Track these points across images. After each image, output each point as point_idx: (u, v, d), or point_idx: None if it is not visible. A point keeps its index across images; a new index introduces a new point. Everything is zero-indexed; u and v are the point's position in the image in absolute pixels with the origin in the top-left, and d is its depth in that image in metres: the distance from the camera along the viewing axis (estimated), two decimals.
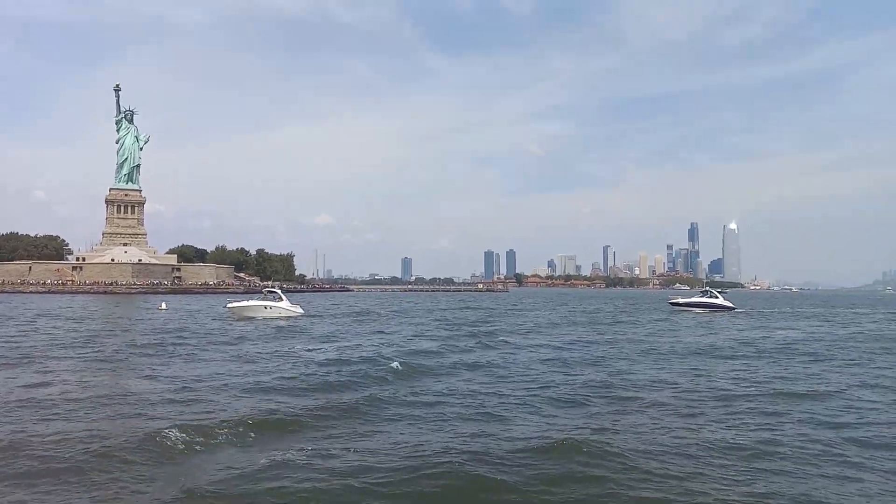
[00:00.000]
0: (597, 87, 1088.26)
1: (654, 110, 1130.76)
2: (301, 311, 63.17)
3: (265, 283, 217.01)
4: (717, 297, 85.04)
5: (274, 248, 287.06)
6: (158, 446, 13.93)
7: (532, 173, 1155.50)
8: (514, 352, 34.93)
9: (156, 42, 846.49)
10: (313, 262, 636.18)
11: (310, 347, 35.58)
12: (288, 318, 59.48)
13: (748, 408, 19.46)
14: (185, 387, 21.92)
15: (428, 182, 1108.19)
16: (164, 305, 78.53)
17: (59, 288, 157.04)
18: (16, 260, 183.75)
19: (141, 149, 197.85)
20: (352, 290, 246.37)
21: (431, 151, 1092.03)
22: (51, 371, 25.49)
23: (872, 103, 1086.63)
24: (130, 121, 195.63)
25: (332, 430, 16.10)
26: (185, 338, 40.43)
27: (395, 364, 27.10)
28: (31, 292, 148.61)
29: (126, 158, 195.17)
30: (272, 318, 57.68)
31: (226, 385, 22.41)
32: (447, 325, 56.71)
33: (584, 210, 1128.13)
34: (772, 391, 22.42)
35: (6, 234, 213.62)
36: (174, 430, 14.75)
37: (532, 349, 36.50)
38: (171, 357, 30.89)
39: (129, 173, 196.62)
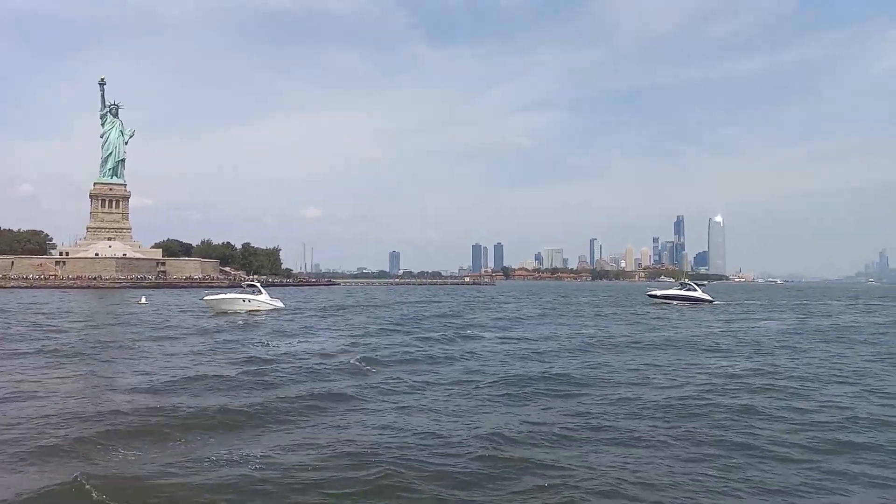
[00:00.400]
0: (584, 80, 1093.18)
1: (641, 103, 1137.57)
2: (281, 304, 63.55)
3: (251, 277, 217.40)
4: (695, 290, 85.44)
5: (263, 242, 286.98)
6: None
7: (519, 166, 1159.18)
8: (478, 346, 35.44)
9: (142, 35, 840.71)
10: (301, 255, 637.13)
11: (269, 342, 35.76)
12: (267, 311, 59.56)
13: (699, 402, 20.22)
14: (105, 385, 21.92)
15: (415, 174, 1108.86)
16: (143, 300, 79.04)
17: (42, 283, 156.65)
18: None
19: (126, 143, 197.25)
20: (339, 284, 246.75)
21: (419, 143, 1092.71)
22: None
23: (857, 96, 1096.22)
24: (115, 115, 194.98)
25: (242, 430, 15.81)
26: (141, 332, 41.20)
27: (351, 360, 27.34)
28: (12, 287, 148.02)
29: (111, 153, 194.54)
30: (250, 312, 57.71)
31: (150, 381, 22.56)
32: (418, 319, 57.33)
33: (571, 203, 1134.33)
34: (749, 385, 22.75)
35: None
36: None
37: (498, 342, 37.47)
38: (115, 350, 31.59)
39: (113, 167, 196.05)
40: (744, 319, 58.77)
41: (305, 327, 45.85)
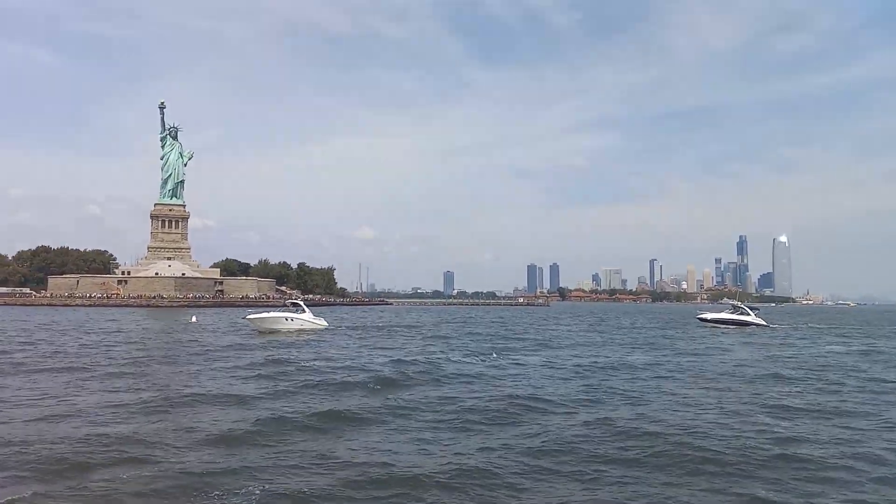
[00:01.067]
0: (641, 99, 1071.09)
1: (701, 122, 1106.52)
2: (325, 323, 62.10)
3: (306, 296, 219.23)
4: (748, 314, 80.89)
5: (320, 262, 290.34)
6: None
7: (576, 186, 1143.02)
8: (509, 369, 33.41)
9: (204, 57, 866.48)
10: (357, 275, 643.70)
11: (303, 358, 35.20)
12: (310, 330, 58.35)
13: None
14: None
15: (470, 195, 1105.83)
16: (194, 318, 78.95)
17: (104, 301, 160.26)
18: (65, 274, 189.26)
19: (185, 164, 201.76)
20: (391, 304, 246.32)
21: (473, 164, 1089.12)
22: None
23: None
24: (175, 137, 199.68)
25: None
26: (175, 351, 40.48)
27: (371, 378, 27.22)
28: (77, 305, 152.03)
29: (170, 174, 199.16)
30: (293, 331, 56.63)
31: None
32: (462, 339, 55.39)
33: (630, 223, 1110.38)
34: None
35: (58, 249, 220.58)
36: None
37: (535, 368, 34.91)
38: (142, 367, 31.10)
39: (173, 189, 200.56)
40: (803, 346, 53.75)
41: (352, 345, 44.70)
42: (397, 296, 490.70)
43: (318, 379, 26.95)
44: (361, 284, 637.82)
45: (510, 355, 40.02)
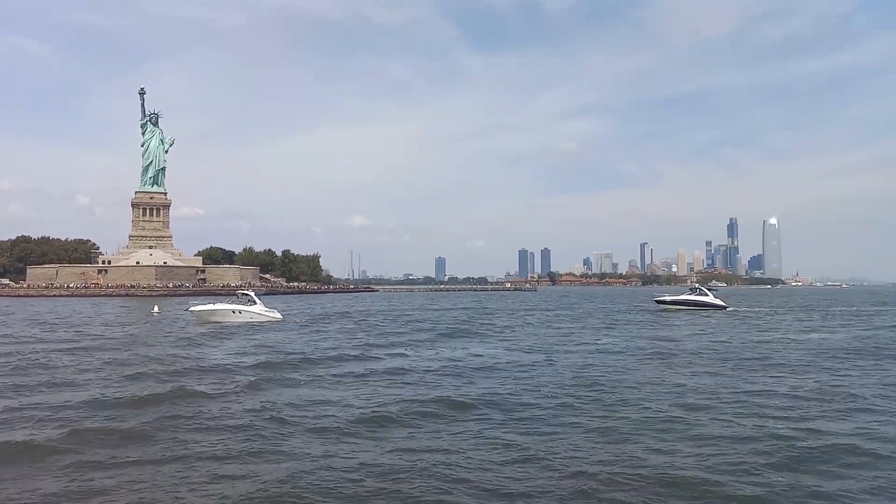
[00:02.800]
0: (634, 85, 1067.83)
1: (693, 108, 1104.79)
2: (278, 316, 58.82)
3: (291, 283, 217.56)
4: (706, 295, 79.99)
5: (311, 250, 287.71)
6: None
7: (568, 172, 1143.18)
8: (440, 357, 32.02)
9: (196, 46, 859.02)
10: (348, 262, 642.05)
11: (220, 354, 33.01)
12: (260, 323, 54.93)
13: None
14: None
15: (463, 181, 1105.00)
16: (156, 309, 77.38)
17: (83, 291, 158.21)
18: (45, 264, 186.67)
19: (166, 151, 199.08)
20: (378, 291, 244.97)
21: (466, 150, 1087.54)
22: None
23: None
24: (155, 124, 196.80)
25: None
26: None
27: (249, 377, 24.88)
28: (55, 296, 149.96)
29: (151, 161, 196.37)
30: (241, 324, 53.52)
31: None
32: (421, 326, 53.88)
33: (621, 208, 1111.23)
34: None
35: (38, 239, 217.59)
36: None
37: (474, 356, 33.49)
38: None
39: (154, 176, 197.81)
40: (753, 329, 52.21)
41: (290, 338, 42.75)
42: (389, 282, 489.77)
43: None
44: (353, 272, 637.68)
45: (421, 349, 36.61)
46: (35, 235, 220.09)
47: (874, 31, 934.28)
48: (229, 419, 17.59)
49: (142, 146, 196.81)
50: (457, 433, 16.12)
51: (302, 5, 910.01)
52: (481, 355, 33.21)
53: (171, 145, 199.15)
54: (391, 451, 14.40)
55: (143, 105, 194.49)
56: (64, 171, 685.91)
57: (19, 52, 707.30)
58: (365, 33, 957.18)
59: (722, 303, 79.59)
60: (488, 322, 61.98)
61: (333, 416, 17.97)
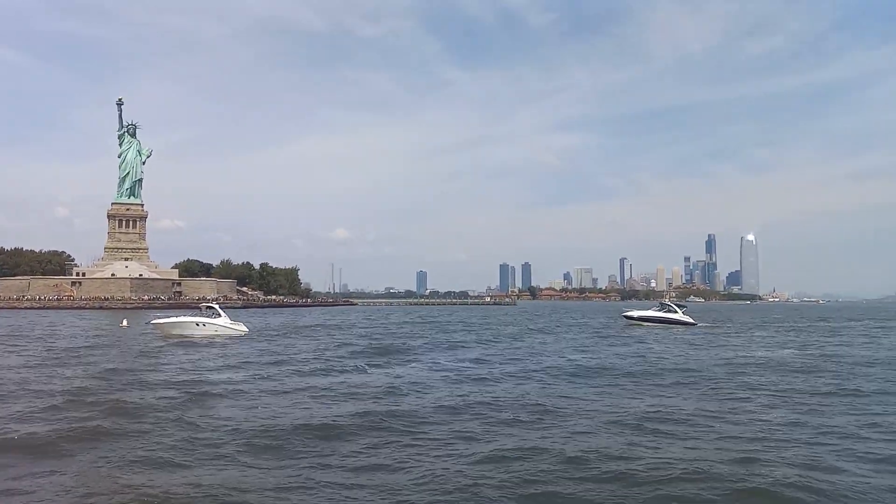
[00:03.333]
0: (615, 99, 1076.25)
1: (674, 122, 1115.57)
2: (244, 329, 57.91)
3: (269, 297, 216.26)
4: (675, 311, 79.59)
5: (292, 263, 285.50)
6: None
7: (549, 186, 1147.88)
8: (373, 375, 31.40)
9: (178, 56, 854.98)
10: (329, 276, 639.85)
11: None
12: (226, 336, 54.08)
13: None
14: None
15: (444, 195, 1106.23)
16: (125, 322, 76.31)
17: (55, 304, 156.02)
18: (18, 276, 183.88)
19: (144, 163, 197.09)
20: (356, 305, 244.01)
21: (448, 164, 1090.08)
22: None
23: (894, 113, 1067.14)
24: (133, 135, 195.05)
25: None
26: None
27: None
28: (26, 308, 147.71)
29: (128, 173, 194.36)
30: (204, 337, 52.83)
31: None
32: (374, 341, 53.47)
33: (601, 222, 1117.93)
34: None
35: (10, 250, 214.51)
36: None
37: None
38: None
39: (131, 187, 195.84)
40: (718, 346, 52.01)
41: (239, 352, 42.25)
42: (370, 296, 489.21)
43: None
44: (334, 285, 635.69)
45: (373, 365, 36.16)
46: (11, 247, 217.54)
47: (851, 47, 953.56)
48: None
49: (119, 157, 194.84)
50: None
51: (285, 17, 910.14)
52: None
53: (148, 157, 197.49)
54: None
55: (120, 116, 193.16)
56: (43, 181, 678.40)
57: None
58: (348, 46, 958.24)
59: (690, 319, 79.13)
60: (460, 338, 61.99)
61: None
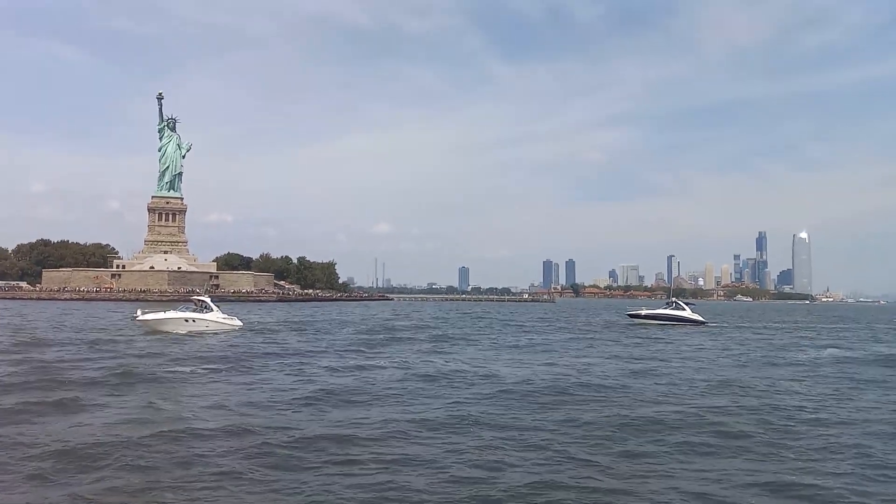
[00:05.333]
0: (665, 95, 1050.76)
1: (724, 118, 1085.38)
2: (239, 323, 55.32)
3: (305, 290, 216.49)
4: (683, 309, 76.60)
5: (336, 257, 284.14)
6: None
7: (595, 182, 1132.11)
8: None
9: (226, 52, 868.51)
10: (373, 270, 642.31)
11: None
12: (218, 332, 51.74)
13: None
14: None
15: (489, 191, 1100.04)
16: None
17: (95, 296, 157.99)
18: (63, 268, 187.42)
19: (183, 157, 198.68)
20: (392, 300, 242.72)
21: (492, 159, 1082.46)
22: None
23: None
24: (173, 129, 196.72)
25: None
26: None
27: None
28: (66, 299, 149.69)
29: (168, 166, 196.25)
30: (194, 333, 50.42)
31: None
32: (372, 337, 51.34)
33: (648, 219, 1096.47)
34: None
35: (57, 242, 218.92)
36: None
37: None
38: None
39: (170, 181, 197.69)
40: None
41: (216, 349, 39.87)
42: (411, 291, 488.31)
43: None
44: (377, 280, 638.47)
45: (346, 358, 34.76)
46: (70, 240, 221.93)
47: None
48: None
49: (159, 150, 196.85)
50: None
51: (331, 13, 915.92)
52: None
53: (188, 150, 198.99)
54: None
55: (160, 110, 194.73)
56: (97, 175, 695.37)
57: (55, 58, 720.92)
58: (394, 41, 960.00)
59: (699, 318, 76.23)
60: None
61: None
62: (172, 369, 29.13)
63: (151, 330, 51.88)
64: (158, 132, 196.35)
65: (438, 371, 30.16)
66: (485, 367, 32.16)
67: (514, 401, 22.37)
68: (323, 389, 23.74)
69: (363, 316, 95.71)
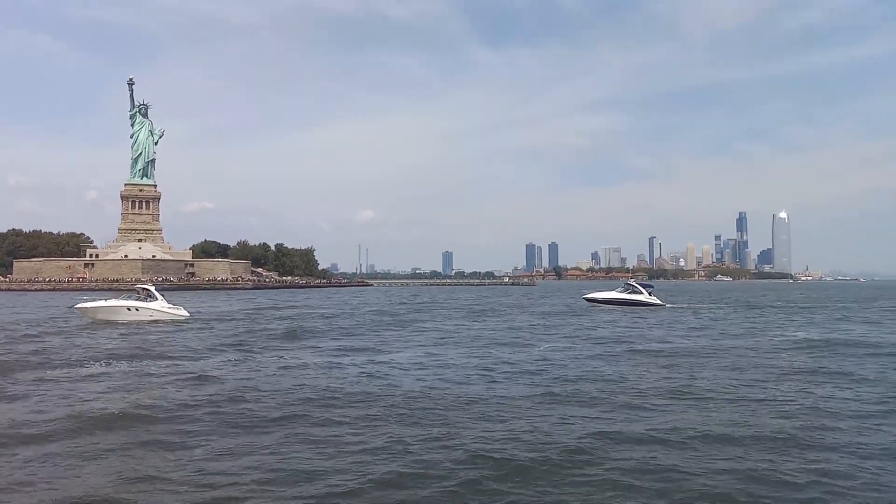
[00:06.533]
0: (648, 78, 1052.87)
1: (706, 101, 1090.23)
2: (185, 313, 53.19)
3: (283, 278, 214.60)
4: (640, 292, 74.58)
5: (319, 245, 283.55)
6: None
7: (579, 166, 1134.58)
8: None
9: (209, 41, 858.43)
10: (356, 257, 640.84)
11: None
12: (161, 322, 49.82)
13: None
14: None
15: (472, 176, 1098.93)
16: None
17: (66, 286, 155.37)
18: (35, 258, 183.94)
19: (156, 143, 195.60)
20: (372, 286, 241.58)
21: (477, 145, 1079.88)
22: None
23: None
24: (145, 115, 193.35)
25: None
26: None
27: None
28: (36, 290, 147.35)
29: (140, 153, 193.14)
30: (136, 322, 48.70)
31: None
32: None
33: (631, 203, 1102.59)
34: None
35: (29, 232, 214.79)
36: None
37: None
38: None
39: (143, 168, 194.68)
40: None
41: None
42: (395, 276, 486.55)
43: None
44: (361, 266, 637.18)
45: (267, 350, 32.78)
46: (43, 230, 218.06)
47: (891, 21, 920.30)
48: None
49: (130, 137, 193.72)
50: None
51: (313, 0, 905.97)
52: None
53: (160, 137, 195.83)
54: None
55: (131, 96, 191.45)
56: (76, 167, 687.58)
57: (34, 47, 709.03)
58: (377, 28, 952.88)
59: (658, 301, 74.80)
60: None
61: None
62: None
63: (91, 319, 50.20)
64: (130, 118, 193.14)
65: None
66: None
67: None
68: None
69: (339, 303, 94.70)
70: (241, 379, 23.23)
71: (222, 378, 23.31)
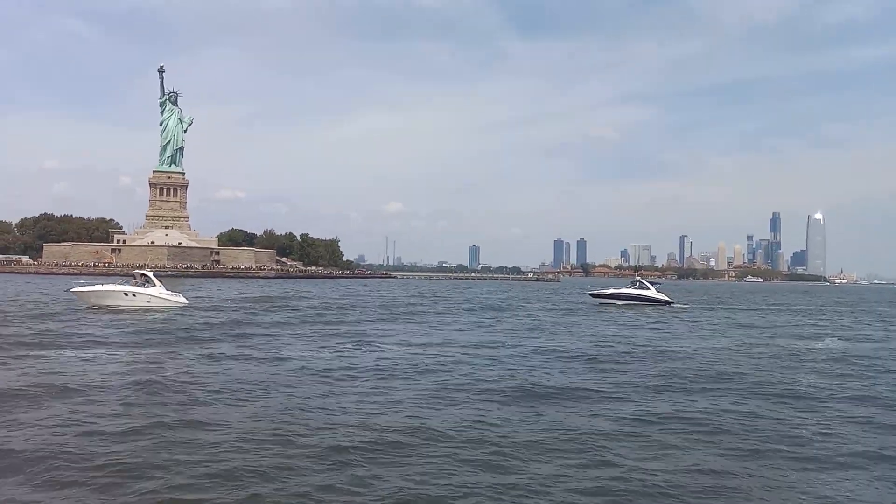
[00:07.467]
0: (681, 73, 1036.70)
1: (741, 96, 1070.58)
2: (183, 300, 52.70)
3: (308, 268, 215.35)
4: (648, 289, 75.34)
5: (347, 235, 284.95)
6: None
7: (609, 161, 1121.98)
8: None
9: (240, 30, 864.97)
10: (384, 248, 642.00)
11: None
12: (158, 308, 49.52)
13: None
14: None
15: (501, 169, 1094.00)
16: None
17: (93, 270, 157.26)
18: (64, 242, 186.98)
19: (185, 131, 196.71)
20: (395, 278, 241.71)
21: (506, 138, 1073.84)
22: None
23: None
24: (174, 102, 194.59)
25: None
26: None
27: None
28: (62, 274, 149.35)
29: (169, 141, 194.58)
30: (134, 308, 48.42)
31: None
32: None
33: (662, 199, 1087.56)
34: None
35: (60, 217, 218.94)
36: None
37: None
38: None
39: (172, 156, 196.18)
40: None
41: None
42: (422, 269, 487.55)
43: None
44: (388, 258, 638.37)
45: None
46: (74, 215, 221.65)
47: None
48: None
49: (160, 125, 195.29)
50: None
51: None
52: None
53: (189, 125, 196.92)
54: None
55: (161, 84, 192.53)
56: (110, 152, 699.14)
57: (69, 33, 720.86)
58: (408, 17, 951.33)
59: (665, 297, 75.13)
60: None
61: None
62: None
63: (88, 303, 50.08)
64: (160, 106, 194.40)
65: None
66: None
67: None
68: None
69: (356, 295, 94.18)
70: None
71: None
